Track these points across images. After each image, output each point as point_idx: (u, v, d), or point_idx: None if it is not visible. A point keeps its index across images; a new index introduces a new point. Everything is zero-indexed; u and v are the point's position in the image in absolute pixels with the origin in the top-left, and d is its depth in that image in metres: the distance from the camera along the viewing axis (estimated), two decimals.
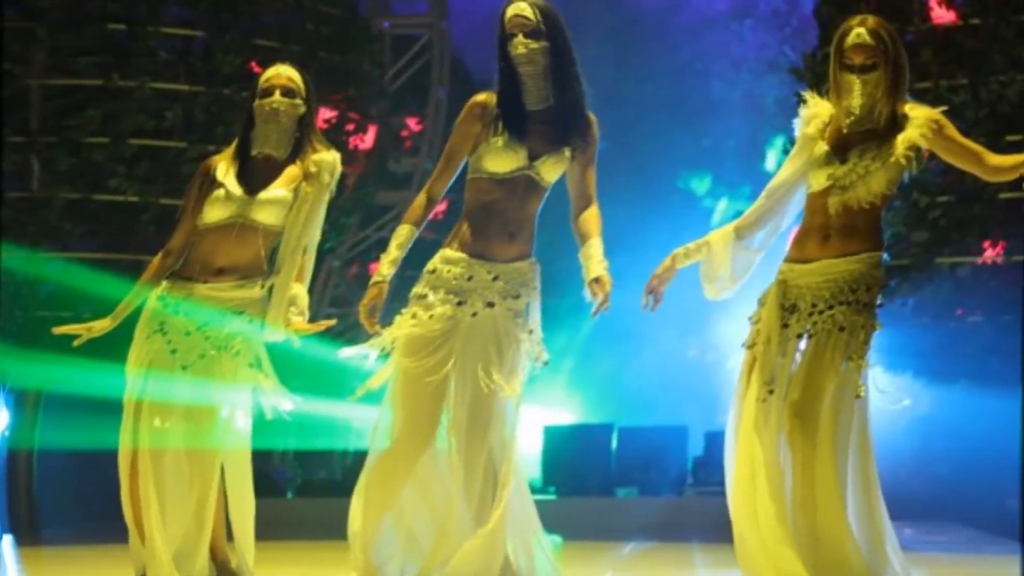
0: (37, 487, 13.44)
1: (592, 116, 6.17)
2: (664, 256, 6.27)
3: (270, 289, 6.52)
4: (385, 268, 6.03)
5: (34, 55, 13.12)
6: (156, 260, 6.61)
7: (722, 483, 6.26)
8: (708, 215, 19.11)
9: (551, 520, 6.25)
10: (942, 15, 12.70)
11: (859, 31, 6.03)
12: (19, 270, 12.25)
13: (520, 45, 6.01)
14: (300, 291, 6.57)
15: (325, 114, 13.77)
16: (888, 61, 6.02)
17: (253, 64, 13.12)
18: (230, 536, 6.56)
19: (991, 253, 12.58)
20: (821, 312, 6.02)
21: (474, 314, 5.99)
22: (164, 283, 6.54)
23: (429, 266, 6.06)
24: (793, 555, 5.83)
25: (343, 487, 13.03)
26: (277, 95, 6.53)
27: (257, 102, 6.54)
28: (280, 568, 8.80)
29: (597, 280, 5.97)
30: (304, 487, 15.35)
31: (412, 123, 16.54)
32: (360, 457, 6.10)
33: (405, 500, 5.95)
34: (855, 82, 6.03)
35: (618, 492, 15.24)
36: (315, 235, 6.58)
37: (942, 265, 12.58)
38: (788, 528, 5.87)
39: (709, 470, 14.95)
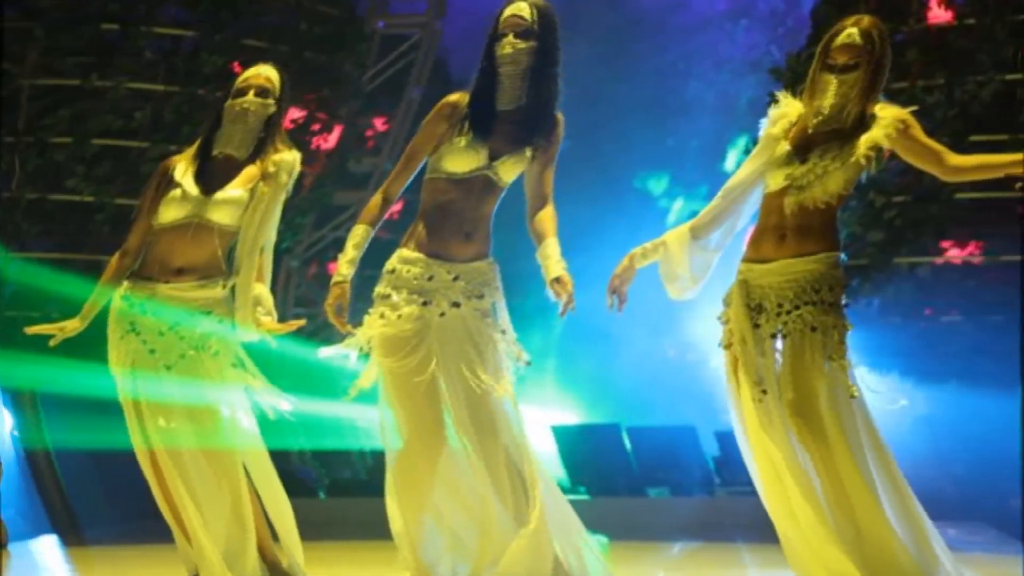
0: (65, 488, 13.45)
1: (560, 116, 6.15)
2: (622, 256, 6.27)
3: (232, 289, 6.55)
4: (344, 268, 6.03)
5: (30, 55, 13.09)
6: (114, 260, 6.67)
7: (750, 483, 6.27)
8: (664, 215, 19.05)
9: (588, 520, 6.24)
10: (939, 15, 12.68)
11: (851, 31, 6.04)
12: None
13: (508, 45, 6.01)
14: (263, 291, 6.64)
15: (294, 114, 13.73)
16: (871, 62, 6.03)
17: (235, 65, 13.10)
18: (275, 537, 6.60)
19: (960, 253, 12.58)
20: (789, 312, 6.03)
21: (442, 314, 6.00)
22: (125, 283, 6.59)
23: (388, 266, 6.09)
24: (841, 554, 5.82)
25: (371, 487, 13.04)
26: (251, 95, 6.59)
27: (229, 102, 6.61)
28: (328, 568, 8.79)
29: (558, 280, 5.95)
30: (332, 487, 15.32)
31: (379, 123, 16.44)
32: (380, 456, 6.12)
33: (440, 501, 5.97)
34: (832, 82, 6.04)
35: (650, 492, 15.20)
36: (271, 235, 6.61)
37: (901, 265, 12.58)
38: (830, 527, 5.86)
39: (733, 470, 14.87)
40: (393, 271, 6.04)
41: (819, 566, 5.90)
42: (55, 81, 13.12)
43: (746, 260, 6.20)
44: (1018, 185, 5.89)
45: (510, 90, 6.03)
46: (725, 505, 14.31)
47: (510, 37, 6.00)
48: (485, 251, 6.12)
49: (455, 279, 6.03)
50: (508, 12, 6.04)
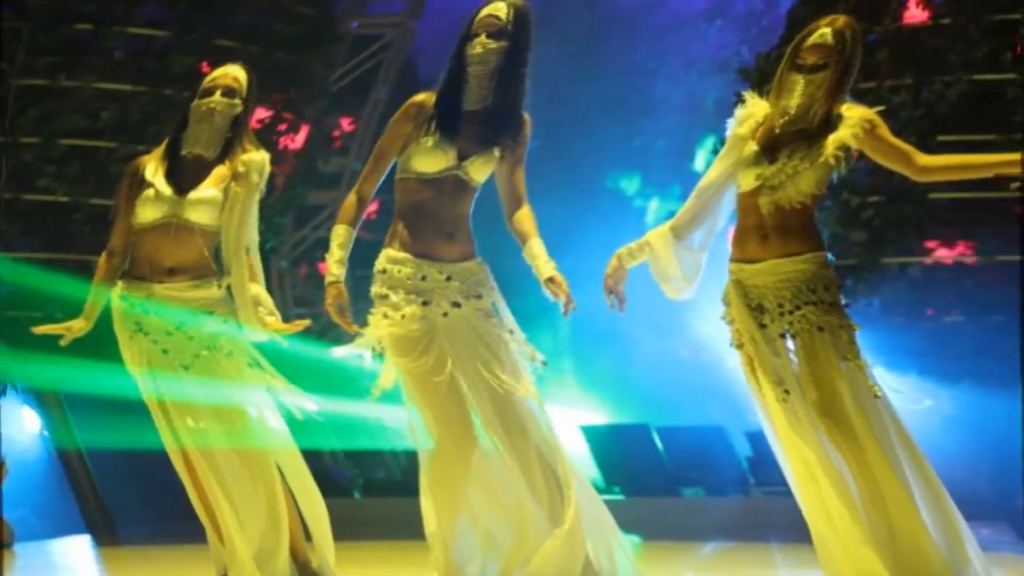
0: (101, 488, 13.48)
1: (526, 116, 6.13)
2: (608, 255, 6.24)
3: (229, 289, 6.55)
4: (335, 268, 6.02)
5: (18, 55, 13.09)
6: (102, 260, 6.68)
7: (785, 483, 6.23)
8: (640, 215, 18.98)
9: (623, 520, 6.22)
10: (916, 15, 12.65)
11: (824, 31, 6.01)
12: None
13: (479, 45, 5.99)
14: (261, 292, 6.63)
15: (260, 114, 13.64)
16: (840, 62, 5.99)
17: (204, 65, 13.00)
18: (308, 537, 6.60)
19: (950, 253, 12.54)
20: (791, 312, 6.00)
21: (444, 314, 5.99)
22: (120, 283, 6.58)
23: (378, 266, 6.06)
24: (873, 555, 5.79)
25: (406, 487, 13.04)
26: (217, 95, 6.57)
27: (196, 102, 6.59)
28: (360, 568, 8.80)
29: (552, 280, 5.94)
30: (367, 487, 15.34)
31: (345, 123, 16.40)
32: (413, 456, 6.12)
33: (474, 501, 5.96)
34: (799, 82, 6.01)
35: (684, 492, 15.17)
36: (253, 235, 6.60)
37: (892, 265, 12.55)
38: (865, 528, 5.83)
39: (767, 470, 14.78)
40: (384, 271, 6.03)
41: (850, 567, 5.86)
42: (30, 81, 13.08)
43: (735, 260, 6.17)
44: (1014, 185, 5.85)
45: (477, 90, 6.02)
46: (761, 505, 14.25)
47: (482, 37, 5.99)
48: (471, 251, 6.10)
49: (448, 279, 6.01)
50: (485, 12, 6.02)
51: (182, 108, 6.69)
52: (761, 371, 6.04)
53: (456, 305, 5.99)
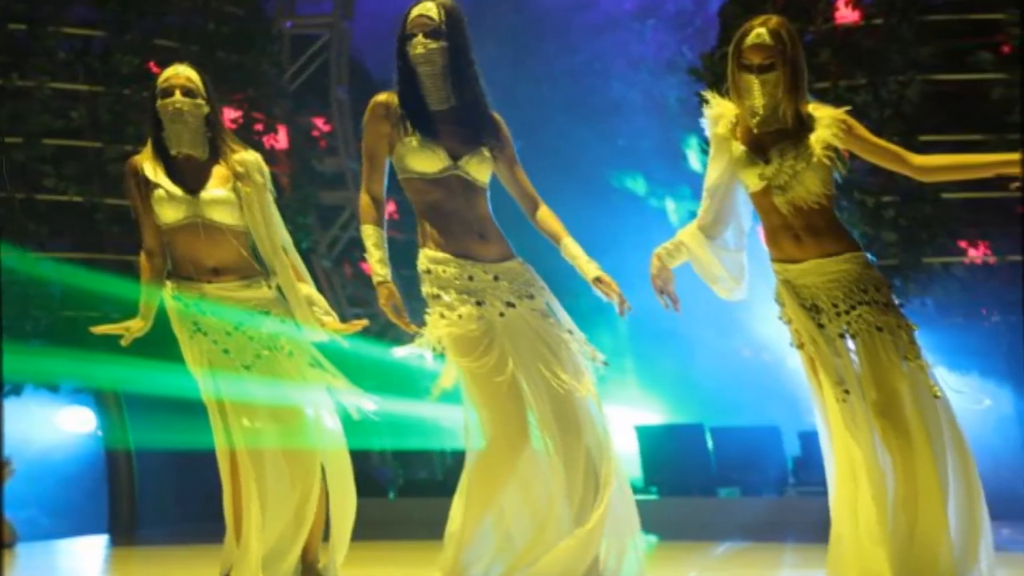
0: (140, 488, 13.59)
1: (498, 116, 6.14)
2: (646, 255, 6.24)
3: (280, 290, 6.53)
4: (379, 268, 6.01)
5: None
6: (143, 261, 6.66)
7: (823, 483, 6.20)
8: (659, 214, 18.92)
9: (654, 520, 6.19)
10: (847, 15, 12.67)
11: (759, 31, 6.00)
12: (18, 270, 12.25)
13: (419, 45, 5.99)
14: (313, 292, 6.63)
15: (230, 114, 13.64)
16: (786, 61, 5.99)
17: (152, 64, 13.06)
18: (327, 537, 6.58)
19: (976, 253, 12.52)
20: (848, 312, 5.99)
21: (501, 314, 5.95)
22: (169, 283, 6.56)
23: (421, 266, 6.04)
24: (883, 555, 5.78)
25: (445, 487, 13.10)
26: (177, 95, 6.52)
27: (159, 102, 6.54)
28: (370, 568, 8.84)
29: (599, 280, 5.97)
30: (406, 487, 15.41)
31: (319, 123, 16.46)
32: (459, 457, 6.11)
33: (507, 500, 5.93)
34: (754, 82, 6.00)
35: (720, 492, 15.18)
36: (284, 235, 6.60)
37: (935, 265, 12.53)
38: (887, 529, 5.82)
39: (810, 470, 14.75)
40: (429, 271, 5.99)
41: (857, 567, 5.88)
42: None
43: (776, 260, 6.16)
44: (1014, 186, 5.82)
45: (434, 91, 6.03)
46: (793, 505, 14.23)
47: (420, 37, 5.99)
48: (509, 251, 6.08)
49: (496, 279, 5.98)
50: (415, 12, 6.02)
51: (146, 108, 6.68)
52: (823, 371, 6.02)
53: (510, 305, 5.96)
